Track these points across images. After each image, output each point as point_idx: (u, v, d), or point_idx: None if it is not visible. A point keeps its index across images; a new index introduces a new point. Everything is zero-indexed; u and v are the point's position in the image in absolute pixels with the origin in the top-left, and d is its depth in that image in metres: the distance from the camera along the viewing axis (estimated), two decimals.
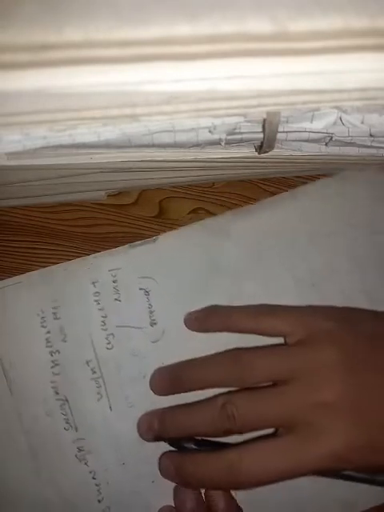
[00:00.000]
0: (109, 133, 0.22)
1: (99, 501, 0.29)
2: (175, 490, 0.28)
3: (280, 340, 0.27)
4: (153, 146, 0.24)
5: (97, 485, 0.29)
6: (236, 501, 0.28)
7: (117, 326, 0.30)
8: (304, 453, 0.24)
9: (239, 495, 0.28)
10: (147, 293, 0.30)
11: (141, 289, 0.30)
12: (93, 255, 0.31)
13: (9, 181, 0.28)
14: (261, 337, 0.27)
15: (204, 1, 0.16)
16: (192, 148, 0.26)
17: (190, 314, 0.29)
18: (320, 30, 0.16)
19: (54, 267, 0.30)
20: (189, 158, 0.27)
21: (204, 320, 0.29)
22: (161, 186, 0.31)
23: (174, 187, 0.32)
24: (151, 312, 0.30)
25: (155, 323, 0.30)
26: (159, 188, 0.31)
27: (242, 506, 0.28)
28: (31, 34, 0.15)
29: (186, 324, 0.29)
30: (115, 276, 0.30)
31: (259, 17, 0.16)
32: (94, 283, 0.30)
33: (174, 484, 0.28)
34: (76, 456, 0.29)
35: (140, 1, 0.16)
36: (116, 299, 0.30)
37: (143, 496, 0.29)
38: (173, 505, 0.28)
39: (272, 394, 0.25)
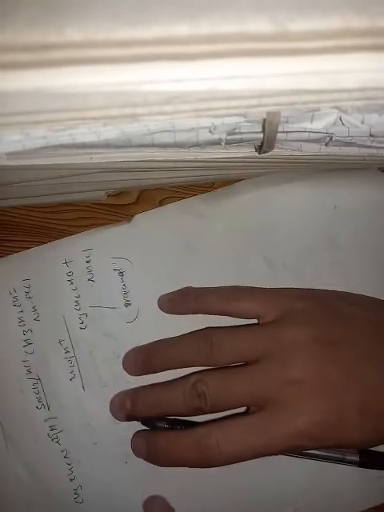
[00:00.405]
0: (109, 133, 0.22)
1: (71, 480, 0.29)
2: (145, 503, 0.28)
3: (254, 321, 0.28)
4: (153, 145, 0.24)
5: (68, 464, 0.29)
6: None
7: (90, 306, 0.30)
8: (274, 429, 0.24)
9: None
10: (121, 273, 0.30)
11: (115, 269, 0.30)
12: (65, 237, 0.31)
13: (9, 181, 0.28)
14: (235, 318, 0.28)
15: (204, 1, 0.16)
16: (192, 148, 0.26)
17: (163, 296, 0.30)
18: (320, 30, 0.16)
19: (28, 249, 0.30)
20: (189, 158, 0.27)
21: (177, 302, 0.29)
22: (161, 185, 0.31)
23: (174, 187, 0.32)
24: (125, 292, 0.30)
25: (129, 304, 0.30)
26: (159, 188, 0.31)
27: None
28: (32, 34, 0.15)
29: (159, 306, 0.30)
30: (89, 256, 0.30)
31: (259, 17, 0.16)
32: (67, 263, 0.30)
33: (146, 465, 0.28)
34: (48, 435, 0.29)
35: (140, 1, 0.16)
36: (89, 279, 0.30)
37: (116, 476, 0.29)
38: (144, 487, 0.28)
39: (243, 372, 0.26)
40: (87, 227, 0.31)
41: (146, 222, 0.31)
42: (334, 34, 0.16)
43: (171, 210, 0.31)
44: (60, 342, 0.30)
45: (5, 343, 0.30)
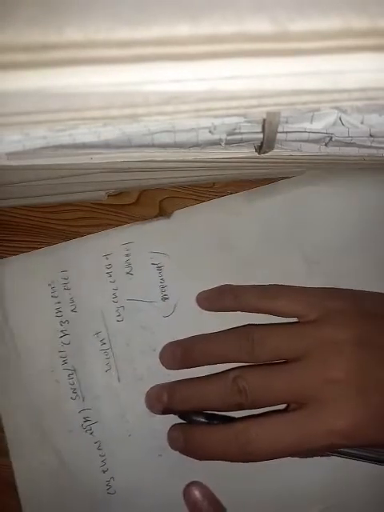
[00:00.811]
0: (109, 133, 0.22)
1: (104, 471, 0.29)
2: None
3: (292, 320, 0.28)
4: (153, 146, 0.24)
5: (101, 455, 0.29)
6: (219, 502, 0.28)
7: (128, 299, 0.30)
8: (312, 427, 0.24)
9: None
10: (159, 268, 0.30)
11: (153, 264, 0.30)
12: (106, 230, 0.31)
13: (9, 181, 0.28)
14: (272, 316, 0.28)
15: (204, 1, 0.16)
16: (192, 148, 0.26)
17: (201, 293, 0.30)
18: (320, 30, 0.16)
19: (67, 242, 0.31)
20: (189, 158, 0.27)
21: (216, 299, 0.29)
22: (161, 186, 0.31)
23: (173, 187, 0.32)
24: (163, 287, 0.30)
25: (167, 298, 0.30)
26: (159, 188, 0.31)
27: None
28: (32, 34, 0.15)
29: (198, 303, 0.30)
30: (128, 250, 0.30)
31: (259, 17, 0.16)
32: (106, 256, 0.30)
33: (181, 458, 0.28)
34: (82, 425, 0.29)
35: (140, 1, 0.16)
36: (128, 273, 0.30)
37: (149, 469, 0.29)
38: (178, 480, 0.28)
39: (283, 370, 0.26)
40: (87, 227, 0.31)
41: (185, 217, 0.31)
42: (334, 34, 0.16)
43: (210, 207, 0.31)
44: (97, 333, 0.30)
45: (42, 333, 0.30)
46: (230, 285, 0.30)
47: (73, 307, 0.30)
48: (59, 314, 0.30)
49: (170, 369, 0.29)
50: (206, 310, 0.29)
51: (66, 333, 0.30)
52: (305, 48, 0.16)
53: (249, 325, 0.28)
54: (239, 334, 0.27)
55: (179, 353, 0.29)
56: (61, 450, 0.29)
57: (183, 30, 0.16)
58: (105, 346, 0.30)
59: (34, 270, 0.30)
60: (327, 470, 0.28)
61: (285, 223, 0.30)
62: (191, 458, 0.27)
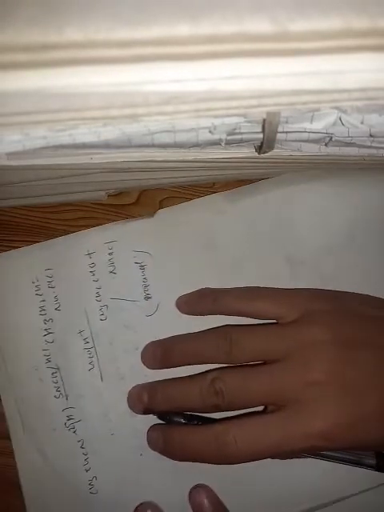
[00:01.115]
0: (109, 133, 0.22)
1: (86, 470, 0.29)
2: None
3: (274, 322, 0.27)
4: (153, 146, 0.24)
5: (84, 454, 0.29)
6: (223, 504, 0.28)
7: (111, 298, 0.30)
8: (293, 429, 0.24)
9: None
10: (142, 267, 0.30)
11: (136, 263, 0.30)
12: (89, 229, 0.31)
13: (9, 181, 0.28)
14: (254, 319, 0.28)
15: (204, 1, 0.16)
16: (192, 148, 0.26)
17: (181, 297, 0.30)
18: (320, 30, 0.16)
19: (51, 239, 0.31)
20: (189, 158, 0.27)
21: (196, 303, 0.29)
22: (161, 186, 0.31)
23: (174, 187, 0.32)
24: (146, 286, 0.30)
25: (150, 297, 0.30)
26: (159, 188, 0.31)
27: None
28: (31, 34, 0.15)
29: (177, 307, 0.30)
30: (111, 249, 0.30)
31: (259, 17, 0.16)
32: (89, 254, 0.30)
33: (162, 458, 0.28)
34: (65, 424, 0.29)
35: (140, 1, 0.16)
36: (111, 272, 0.30)
37: (131, 468, 0.29)
38: (158, 480, 0.28)
39: (262, 371, 0.25)
40: (87, 227, 0.31)
41: (169, 217, 0.31)
42: (334, 34, 0.16)
43: (194, 206, 0.31)
44: (80, 332, 0.30)
45: (25, 332, 0.30)
46: (209, 288, 0.30)
47: (57, 305, 0.30)
48: (43, 312, 0.30)
49: (151, 368, 0.29)
50: (186, 313, 0.29)
51: (50, 331, 0.30)
52: (305, 48, 0.16)
53: (228, 325, 0.28)
54: (218, 335, 0.27)
55: (159, 353, 0.29)
56: (45, 449, 0.29)
57: (183, 30, 0.16)
58: (88, 345, 0.30)
59: (18, 268, 0.30)
60: (315, 469, 0.28)
61: (269, 223, 0.30)
62: (172, 460, 0.27)
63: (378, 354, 0.25)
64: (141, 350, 0.29)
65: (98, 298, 0.30)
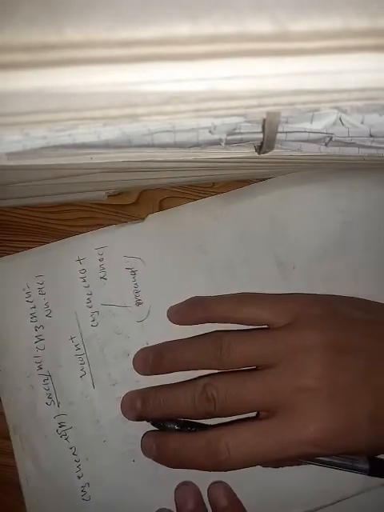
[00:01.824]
0: (109, 133, 0.22)
1: (79, 477, 0.29)
2: (177, 489, 0.28)
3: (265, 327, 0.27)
4: (153, 146, 0.24)
5: (77, 461, 0.29)
6: (240, 501, 0.28)
7: (102, 304, 0.30)
8: (284, 436, 0.24)
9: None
10: (133, 272, 0.30)
11: (127, 268, 0.30)
12: (80, 234, 0.31)
13: (9, 181, 0.28)
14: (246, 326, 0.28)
15: (204, 1, 0.16)
16: (192, 148, 0.26)
17: (171, 308, 0.30)
18: (320, 30, 0.16)
19: (42, 246, 0.31)
20: (189, 158, 0.27)
21: (186, 314, 0.29)
22: (161, 186, 0.31)
23: (174, 187, 0.32)
24: (137, 292, 0.30)
25: (141, 303, 0.30)
26: (159, 188, 0.31)
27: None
28: (31, 34, 0.15)
29: (169, 318, 0.30)
30: (102, 254, 0.30)
31: (259, 17, 0.16)
32: (80, 260, 0.30)
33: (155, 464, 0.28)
34: (57, 431, 0.29)
35: (140, 1, 0.16)
36: (102, 277, 0.30)
37: (123, 474, 0.29)
38: (151, 485, 0.28)
39: (253, 377, 0.25)
40: (87, 227, 0.31)
41: (160, 221, 0.30)
42: (334, 34, 0.16)
43: (185, 210, 0.31)
44: (71, 338, 0.30)
45: (17, 339, 0.30)
46: (199, 297, 0.29)
47: (48, 312, 0.30)
48: (34, 319, 0.30)
49: (143, 374, 0.29)
50: (177, 324, 0.29)
51: (41, 338, 0.30)
52: (305, 48, 0.16)
53: (219, 331, 0.28)
54: (209, 340, 0.27)
55: (151, 359, 0.29)
56: (37, 456, 0.29)
57: (183, 29, 0.16)
58: (79, 351, 0.30)
59: (8, 275, 0.30)
60: (307, 474, 0.28)
61: (260, 227, 0.30)
62: (164, 466, 0.27)
63: (369, 358, 0.25)
64: (132, 355, 0.29)
65: (89, 304, 0.30)
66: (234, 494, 0.28)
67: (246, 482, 0.28)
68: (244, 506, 0.28)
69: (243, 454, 0.24)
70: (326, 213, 0.30)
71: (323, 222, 0.30)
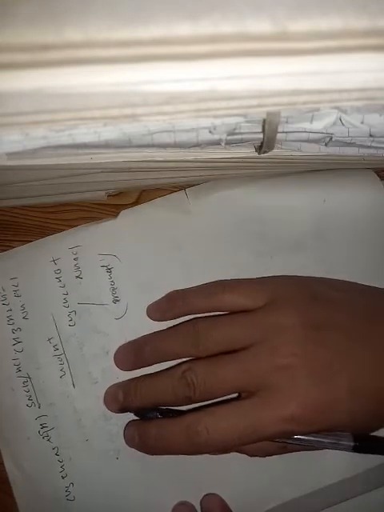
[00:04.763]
0: (109, 133, 0.22)
1: (63, 477, 0.29)
2: (173, 510, 0.28)
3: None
4: (153, 146, 0.24)
5: (60, 461, 0.29)
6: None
7: (79, 303, 0.30)
8: (265, 414, 0.24)
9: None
10: (109, 270, 0.30)
11: (102, 266, 0.30)
12: (54, 235, 0.31)
13: (9, 181, 0.28)
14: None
15: (204, 1, 0.16)
16: (192, 148, 0.26)
17: (151, 305, 0.30)
18: (320, 30, 0.16)
19: (15, 248, 0.31)
20: (189, 158, 0.27)
21: (165, 309, 0.29)
22: (161, 186, 0.31)
23: (174, 187, 0.32)
24: (114, 289, 0.30)
25: (118, 300, 0.30)
26: (159, 188, 0.31)
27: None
28: (31, 34, 0.15)
29: (149, 315, 0.30)
30: (76, 253, 0.30)
31: (259, 17, 0.16)
32: (54, 261, 0.30)
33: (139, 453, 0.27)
34: (39, 432, 0.29)
35: (140, 1, 0.16)
36: (77, 276, 0.30)
37: (107, 473, 0.29)
38: (134, 483, 0.28)
39: (231, 359, 0.25)
40: None
41: (133, 217, 0.30)
42: (334, 34, 0.16)
43: (157, 206, 0.31)
44: (49, 339, 0.30)
45: None
46: (176, 291, 0.30)
47: (24, 314, 0.30)
48: (11, 321, 0.30)
49: (125, 370, 0.29)
50: (158, 320, 0.29)
51: (19, 340, 0.30)
52: (305, 48, 0.16)
53: (195, 318, 0.28)
54: (185, 329, 0.28)
55: (131, 353, 0.29)
56: (20, 458, 0.29)
57: (183, 29, 0.16)
58: (58, 352, 0.30)
59: None
60: (283, 464, 0.28)
61: (234, 219, 0.30)
62: (148, 462, 0.27)
63: (345, 335, 0.25)
64: (112, 353, 0.29)
65: (66, 304, 0.30)
66: (227, 505, 0.28)
67: (231, 473, 0.28)
68: (230, 496, 0.28)
69: (222, 434, 0.24)
70: (299, 205, 0.30)
71: (297, 214, 0.30)
